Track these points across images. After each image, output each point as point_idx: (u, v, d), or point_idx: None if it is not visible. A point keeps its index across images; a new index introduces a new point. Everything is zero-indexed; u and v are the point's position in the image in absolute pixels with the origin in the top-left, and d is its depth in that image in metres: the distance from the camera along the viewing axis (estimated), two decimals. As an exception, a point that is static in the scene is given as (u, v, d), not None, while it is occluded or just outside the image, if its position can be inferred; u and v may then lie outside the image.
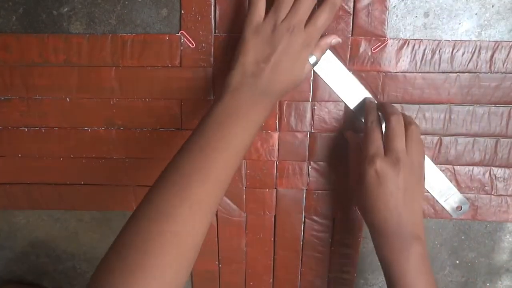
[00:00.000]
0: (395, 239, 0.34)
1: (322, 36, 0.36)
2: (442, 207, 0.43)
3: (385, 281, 0.35)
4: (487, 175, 0.43)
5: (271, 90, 0.34)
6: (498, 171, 0.43)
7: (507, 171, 0.42)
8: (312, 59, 0.36)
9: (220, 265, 0.47)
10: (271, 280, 0.48)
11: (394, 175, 0.34)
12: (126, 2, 0.39)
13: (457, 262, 0.46)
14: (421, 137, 0.42)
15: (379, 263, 0.47)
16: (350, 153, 0.40)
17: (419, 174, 0.36)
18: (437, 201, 0.43)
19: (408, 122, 0.36)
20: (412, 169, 0.35)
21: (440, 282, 0.47)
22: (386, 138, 0.35)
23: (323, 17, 0.34)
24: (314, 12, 0.34)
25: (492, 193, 0.43)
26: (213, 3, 0.39)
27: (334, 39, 0.37)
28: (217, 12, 0.39)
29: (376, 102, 0.40)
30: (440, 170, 0.43)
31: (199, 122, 0.32)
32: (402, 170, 0.34)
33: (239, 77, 0.33)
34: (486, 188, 0.43)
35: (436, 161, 0.42)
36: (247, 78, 0.33)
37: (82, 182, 0.45)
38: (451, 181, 0.43)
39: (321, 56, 0.37)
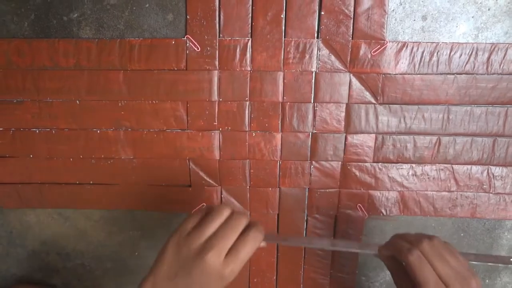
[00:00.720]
0: None
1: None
2: (441, 205, 0.44)
3: None
4: (485, 173, 0.44)
5: None
6: (496, 170, 0.44)
7: (505, 169, 0.43)
8: None
9: (224, 262, 0.49)
10: (274, 277, 0.49)
11: (436, 249, 0.32)
12: (134, 8, 0.41)
13: (457, 259, 0.47)
14: (421, 136, 0.43)
15: (379, 260, 0.48)
16: (395, 279, 0.36)
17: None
18: (435, 198, 0.44)
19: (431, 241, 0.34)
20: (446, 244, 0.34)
21: (440, 278, 0.48)
22: (439, 270, 0.32)
23: (246, 251, 0.31)
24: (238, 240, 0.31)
25: (491, 191, 0.44)
26: (217, 8, 0.40)
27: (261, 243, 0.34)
28: (222, 16, 0.40)
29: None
30: (439, 169, 0.44)
31: None
32: (437, 242, 0.33)
33: None
34: (484, 186, 0.44)
35: (435, 160, 0.43)
36: None
37: (91, 182, 0.46)
38: (449, 180, 0.44)
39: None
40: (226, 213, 0.33)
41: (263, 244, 0.34)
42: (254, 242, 0.32)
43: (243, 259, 0.31)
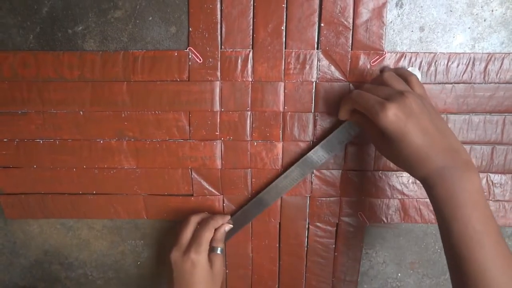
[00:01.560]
0: (444, 174, 0.31)
1: (217, 229, 0.43)
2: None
3: (439, 229, 0.33)
4: (484, 181, 0.44)
5: None
6: (495, 177, 0.44)
7: (504, 177, 0.44)
8: (219, 250, 0.42)
9: (227, 271, 0.49)
10: (276, 285, 0.49)
11: (410, 107, 0.32)
12: (137, 21, 0.41)
13: (458, 266, 0.48)
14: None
15: (381, 268, 0.48)
16: (367, 132, 0.39)
17: (429, 101, 0.35)
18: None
19: (407, 75, 0.36)
20: (420, 97, 0.34)
21: (441, 286, 0.49)
22: (384, 89, 0.34)
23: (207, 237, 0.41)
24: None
25: (490, 198, 0.45)
26: (219, 21, 0.41)
27: (226, 226, 0.44)
28: (223, 29, 0.41)
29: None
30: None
31: None
32: (412, 98, 0.32)
33: None
34: (484, 194, 0.44)
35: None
36: None
37: (94, 192, 0.46)
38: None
39: (223, 243, 0.43)
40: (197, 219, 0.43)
41: (228, 227, 0.44)
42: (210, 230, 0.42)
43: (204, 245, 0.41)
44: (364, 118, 0.37)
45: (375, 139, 0.37)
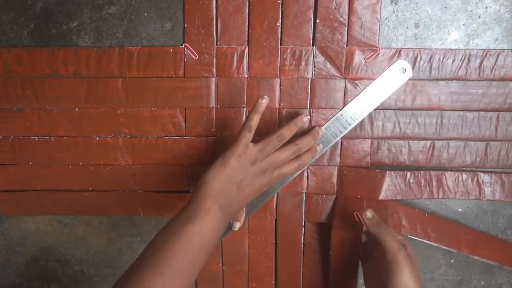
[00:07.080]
0: None
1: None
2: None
3: None
4: (475, 181, 0.44)
5: (233, 210, 0.37)
6: (485, 177, 0.44)
7: (494, 176, 0.44)
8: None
9: (223, 267, 0.49)
10: (273, 281, 0.49)
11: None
12: (132, 17, 0.41)
13: (452, 261, 0.48)
14: (415, 141, 0.44)
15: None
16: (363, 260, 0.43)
17: None
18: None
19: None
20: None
21: (436, 281, 0.49)
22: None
23: (289, 170, 0.38)
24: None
25: (481, 198, 0.44)
26: (214, 17, 0.41)
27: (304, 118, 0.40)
28: (219, 25, 0.41)
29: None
30: (433, 175, 0.44)
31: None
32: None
33: (212, 199, 0.35)
34: (474, 193, 0.45)
35: (429, 164, 0.44)
36: (220, 199, 0.36)
37: (90, 188, 0.46)
38: (443, 186, 0.44)
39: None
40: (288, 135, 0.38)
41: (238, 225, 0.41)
42: (298, 168, 0.39)
43: (286, 175, 0.39)
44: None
45: (368, 267, 0.41)
